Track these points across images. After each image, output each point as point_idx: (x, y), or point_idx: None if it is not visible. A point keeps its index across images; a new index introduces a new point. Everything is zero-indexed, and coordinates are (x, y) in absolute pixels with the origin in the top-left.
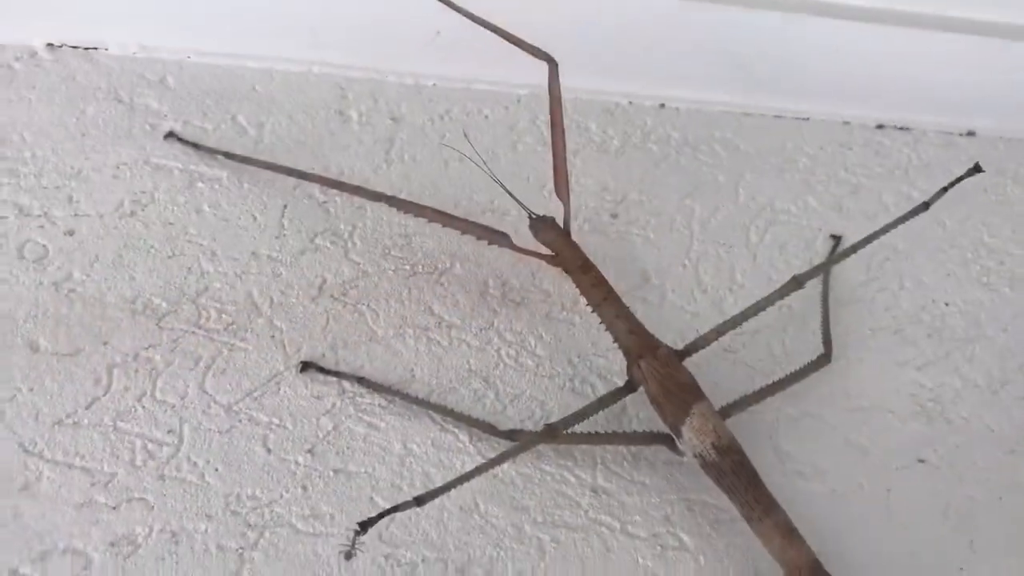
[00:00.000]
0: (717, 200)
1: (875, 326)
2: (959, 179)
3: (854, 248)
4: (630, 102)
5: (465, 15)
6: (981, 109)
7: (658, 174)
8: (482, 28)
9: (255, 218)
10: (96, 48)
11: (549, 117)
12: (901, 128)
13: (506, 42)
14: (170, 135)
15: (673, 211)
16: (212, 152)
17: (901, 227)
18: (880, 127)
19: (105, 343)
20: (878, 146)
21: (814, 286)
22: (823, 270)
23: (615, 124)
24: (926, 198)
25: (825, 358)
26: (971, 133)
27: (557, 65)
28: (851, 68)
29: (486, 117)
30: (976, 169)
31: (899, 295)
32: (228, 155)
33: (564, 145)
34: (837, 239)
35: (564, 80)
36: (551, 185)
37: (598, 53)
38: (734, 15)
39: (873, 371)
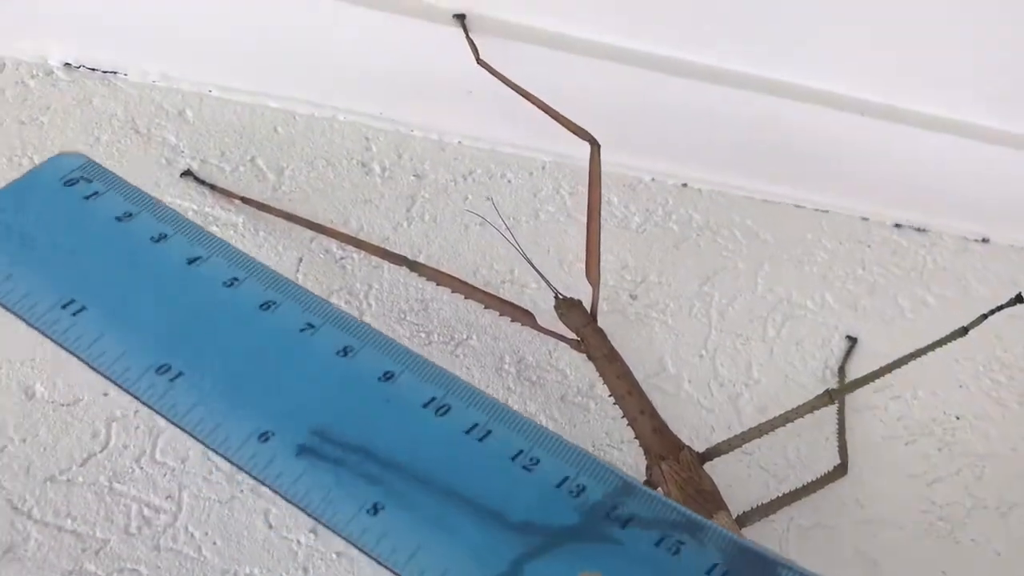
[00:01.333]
0: (736, 288)
1: (887, 435)
2: (1000, 307)
3: (889, 368)
4: (652, 179)
5: (514, 88)
6: (996, 217)
7: (678, 256)
8: (527, 102)
9: None
10: (115, 72)
11: (588, 199)
12: (918, 229)
13: (548, 117)
14: (187, 173)
15: (692, 296)
16: (229, 195)
17: (914, 336)
18: (898, 226)
19: (106, 394)
20: (895, 245)
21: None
22: (857, 386)
23: (637, 200)
24: (940, 303)
25: (841, 469)
26: (985, 240)
27: (600, 147)
28: (872, 164)
29: (509, 181)
30: (1019, 299)
31: (912, 404)
32: (246, 200)
33: (599, 228)
34: (853, 340)
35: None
36: (571, 258)
37: (623, 126)
38: (760, 101)
39: (885, 483)
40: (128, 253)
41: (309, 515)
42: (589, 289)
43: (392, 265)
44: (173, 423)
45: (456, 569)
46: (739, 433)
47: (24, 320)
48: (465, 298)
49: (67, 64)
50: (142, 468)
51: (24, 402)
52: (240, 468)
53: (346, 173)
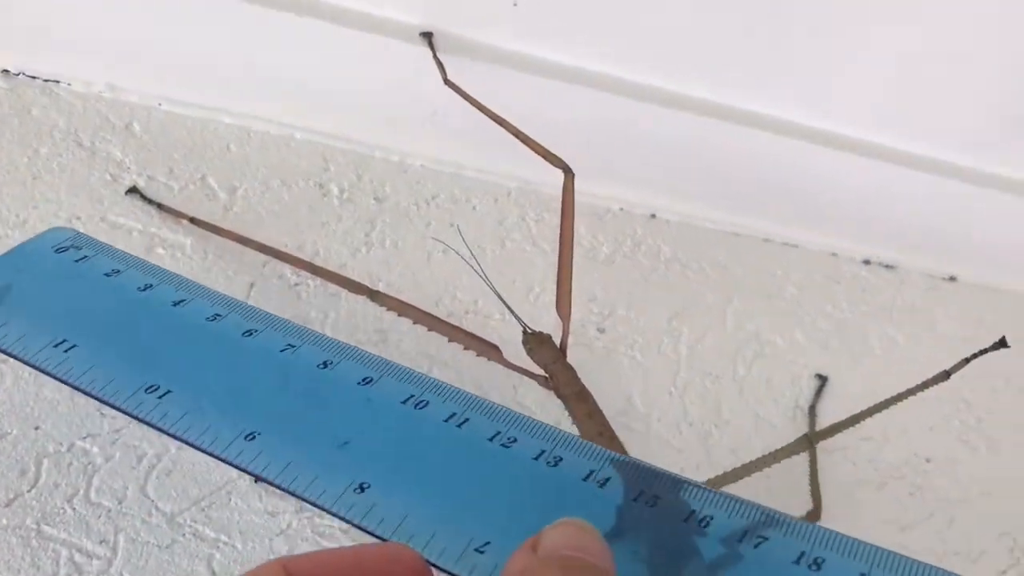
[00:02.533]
0: (705, 324)
1: (860, 478)
2: (983, 351)
3: (868, 412)
4: (621, 208)
5: (483, 111)
6: (963, 256)
7: (647, 289)
8: (494, 125)
9: None
10: (58, 82)
11: (560, 229)
12: (887, 266)
13: (519, 141)
14: (132, 190)
15: (661, 331)
16: (177, 215)
17: (883, 375)
18: (867, 263)
19: (37, 428)
20: (864, 282)
21: (804, 429)
22: (836, 431)
23: (605, 230)
24: (909, 342)
25: (815, 514)
26: (953, 279)
27: (573, 175)
28: (842, 199)
29: (474, 208)
30: (1002, 344)
31: (882, 446)
32: (194, 220)
33: (571, 260)
34: (823, 379)
35: (551, 178)
36: (537, 289)
37: (592, 154)
38: (731, 131)
39: (857, 528)
40: (117, 300)
41: (299, 497)
42: (558, 322)
43: (350, 293)
44: (164, 432)
45: (443, 532)
46: (714, 477)
47: (18, 359)
48: (429, 330)
49: (5, 71)
50: (74, 509)
51: None
52: (231, 464)
53: (302, 195)
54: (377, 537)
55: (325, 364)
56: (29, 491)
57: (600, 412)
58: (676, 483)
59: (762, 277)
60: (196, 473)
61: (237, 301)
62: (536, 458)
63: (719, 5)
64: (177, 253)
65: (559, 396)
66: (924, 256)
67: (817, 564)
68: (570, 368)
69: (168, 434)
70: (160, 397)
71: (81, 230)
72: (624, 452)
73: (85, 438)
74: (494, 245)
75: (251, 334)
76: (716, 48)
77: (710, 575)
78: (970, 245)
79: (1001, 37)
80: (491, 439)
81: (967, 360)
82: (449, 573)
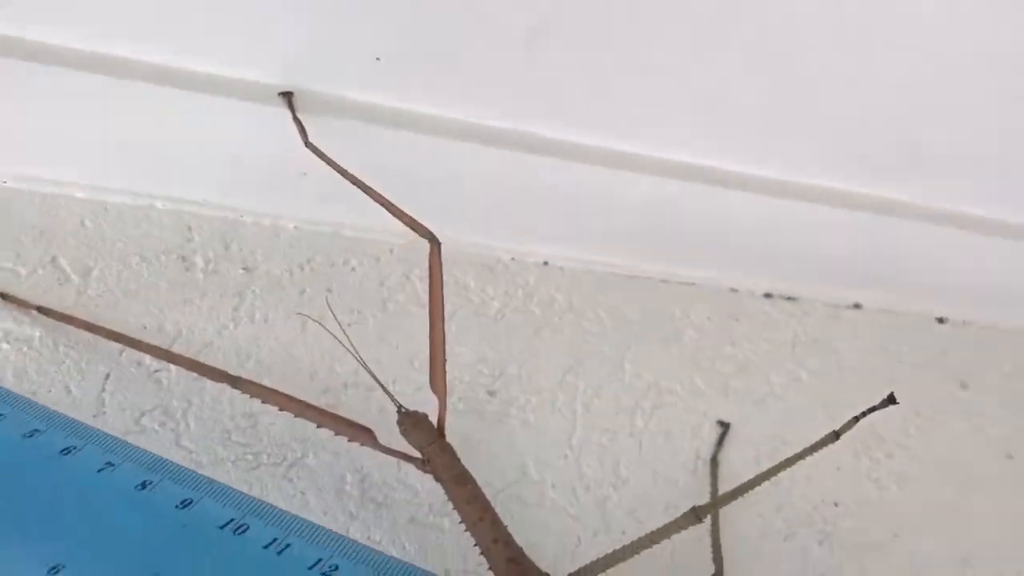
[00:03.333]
0: (601, 376)
1: (766, 530)
2: (872, 409)
3: (760, 479)
4: (512, 258)
5: (346, 176)
6: (866, 282)
7: (540, 343)
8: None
9: (70, 391)
10: None
11: (429, 302)
12: (789, 298)
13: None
14: None
15: (555, 388)
16: (23, 305)
17: (787, 415)
18: (768, 296)
19: None
20: (766, 317)
21: (706, 481)
22: (726, 502)
23: (496, 282)
24: (812, 377)
25: None
26: (857, 306)
27: (440, 245)
28: (739, 234)
29: (353, 269)
30: (891, 400)
31: (791, 491)
32: (42, 310)
33: (443, 333)
34: (725, 426)
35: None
36: (424, 354)
37: (477, 205)
38: (620, 175)
39: None
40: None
41: None
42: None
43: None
44: None
45: None
46: (602, 557)
47: None
48: (295, 416)
49: None
50: None
51: None
52: None
53: (163, 270)
54: None
55: (144, 485)
56: None
57: (482, 496)
58: None
59: (660, 320)
60: None
61: (59, 415)
62: None
63: (589, 44)
64: (23, 347)
65: (437, 480)
66: (826, 285)
67: None
68: (448, 449)
69: None
70: None
71: None
72: (507, 536)
73: None
74: (375, 309)
75: (69, 452)
76: (596, 90)
77: None
78: (873, 271)
79: (888, 62)
80: (311, 567)
81: (856, 419)
82: None
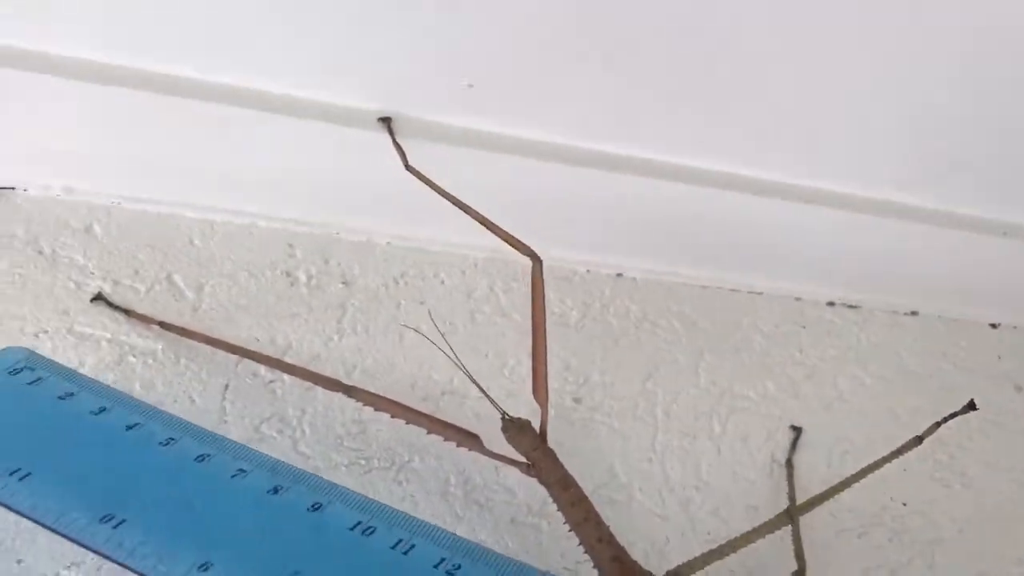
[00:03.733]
0: (678, 383)
1: (840, 528)
2: (954, 414)
3: (847, 483)
4: (588, 270)
5: (447, 198)
6: (923, 290)
7: (619, 351)
8: (464, 214)
9: (193, 400)
10: (13, 188)
11: (532, 315)
12: (850, 306)
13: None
14: (98, 297)
15: (636, 395)
16: (146, 320)
17: (854, 418)
18: (831, 304)
19: (19, 561)
20: (829, 325)
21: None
22: (816, 504)
23: (574, 294)
24: (876, 382)
25: (800, 574)
26: (915, 313)
27: (542, 263)
28: (803, 244)
29: (442, 282)
30: (971, 407)
31: (860, 493)
32: (164, 325)
33: (545, 345)
34: (798, 430)
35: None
36: (512, 362)
37: (555, 220)
38: (688, 189)
39: None
40: (70, 425)
41: None
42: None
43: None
44: (119, 563)
45: None
46: (700, 555)
47: None
48: (407, 423)
49: None
50: None
51: None
52: None
53: (270, 285)
54: None
55: (276, 490)
56: None
57: (585, 498)
58: None
59: (730, 329)
60: None
61: (192, 425)
62: None
63: (663, 70)
64: (149, 360)
65: (541, 483)
66: (886, 293)
67: None
68: (552, 455)
69: (122, 565)
70: (115, 527)
71: (48, 344)
72: (610, 535)
73: (69, 567)
74: (464, 320)
75: (203, 459)
76: (666, 108)
77: None
78: (929, 280)
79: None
80: (436, 566)
81: (938, 424)
82: None
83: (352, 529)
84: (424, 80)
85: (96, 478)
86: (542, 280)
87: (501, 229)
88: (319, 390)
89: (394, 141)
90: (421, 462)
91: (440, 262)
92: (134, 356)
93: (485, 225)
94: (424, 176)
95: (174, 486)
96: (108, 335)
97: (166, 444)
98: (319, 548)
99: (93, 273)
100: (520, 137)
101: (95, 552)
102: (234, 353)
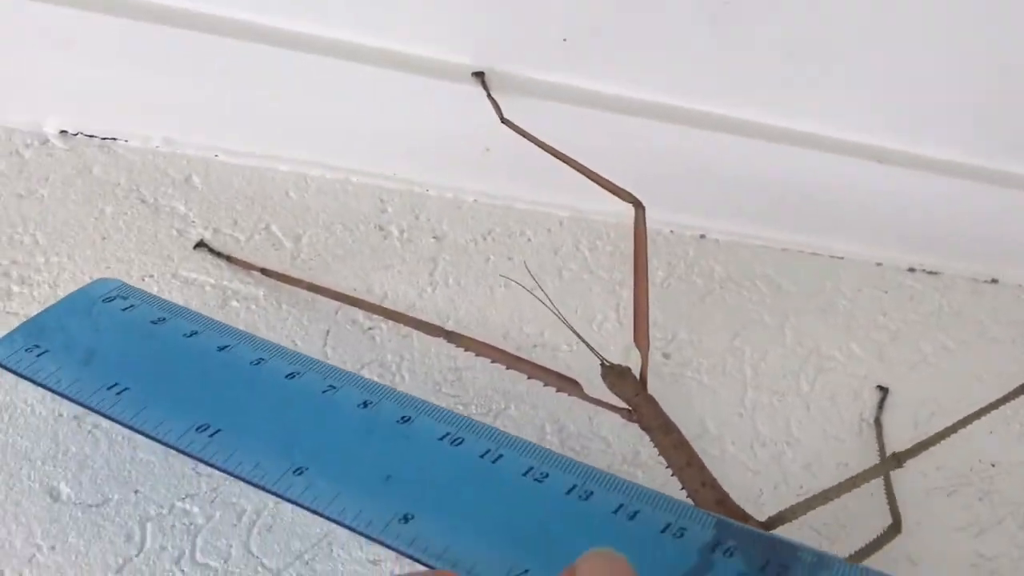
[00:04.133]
0: (765, 342)
1: (929, 487)
2: None
3: (954, 428)
4: (671, 231)
5: (544, 148)
6: (1003, 258)
7: (705, 310)
8: (550, 160)
9: (296, 344)
10: (114, 139)
11: (634, 261)
12: (931, 272)
13: (584, 177)
14: (201, 244)
15: (724, 352)
16: (248, 266)
17: (939, 381)
18: (911, 270)
19: (136, 491)
20: (911, 290)
21: (872, 441)
22: (923, 449)
23: (658, 254)
24: (960, 347)
25: (895, 528)
26: (994, 280)
27: (644, 209)
28: (884, 209)
29: (529, 240)
30: None
31: (948, 453)
32: (265, 271)
33: (647, 291)
34: (884, 391)
35: (600, 205)
36: (599, 318)
37: (640, 179)
38: (771, 149)
39: (934, 537)
40: (164, 346)
41: (348, 528)
42: (633, 354)
43: (422, 334)
44: (217, 467)
45: (484, 560)
46: (804, 500)
47: (72, 400)
48: (507, 368)
49: (63, 132)
50: (183, 571)
51: (50, 504)
52: (281, 497)
53: (364, 238)
54: (424, 564)
55: (365, 404)
56: (137, 555)
57: (687, 443)
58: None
59: (813, 292)
60: (296, 527)
61: (279, 347)
62: (568, 492)
63: (751, 30)
64: (251, 305)
65: (643, 429)
66: (966, 261)
67: None
68: (653, 400)
69: (220, 469)
70: (211, 436)
71: (155, 288)
72: (713, 480)
73: (184, 499)
74: (552, 276)
75: (293, 376)
76: (755, 68)
77: None
78: (1009, 247)
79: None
80: (525, 474)
81: None
82: None
83: (441, 439)
84: (518, 34)
85: (190, 393)
86: (645, 226)
87: (602, 177)
88: (416, 338)
89: (488, 94)
90: (516, 410)
91: (526, 220)
92: (237, 301)
93: (584, 173)
94: (520, 128)
95: (266, 400)
96: (212, 280)
97: (256, 364)
98: (410, 455)
99: (194, 222)
100: (612, 94)
101: (194, 458)
102: (335, 299)
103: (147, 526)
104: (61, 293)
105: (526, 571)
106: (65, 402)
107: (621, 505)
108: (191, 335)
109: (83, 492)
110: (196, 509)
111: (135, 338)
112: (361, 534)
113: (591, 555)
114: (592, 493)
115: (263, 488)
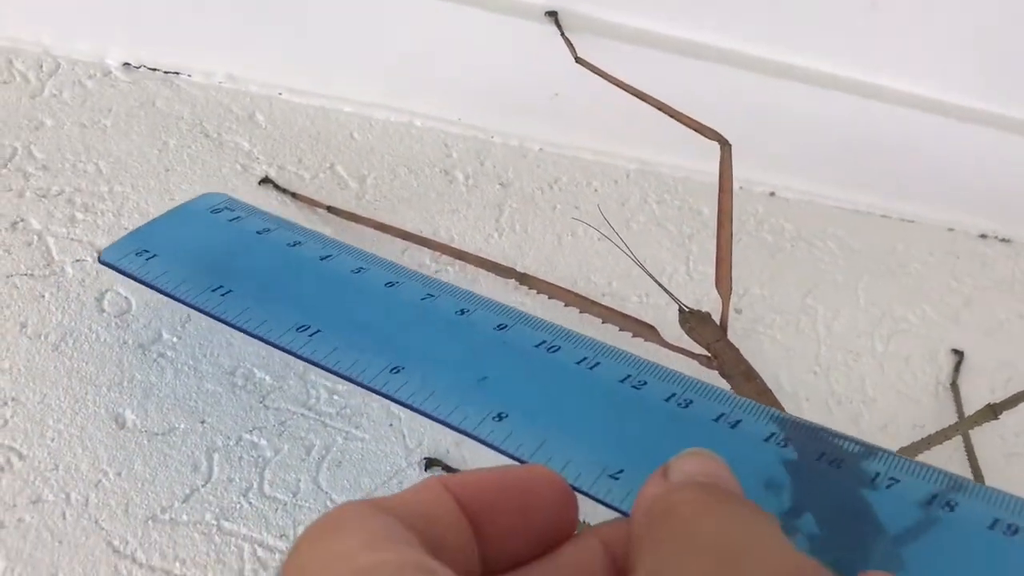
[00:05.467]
0: (838, 301)
1: (1008, 452)
2: None
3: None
4: (741, 187)
5: (622, 87)
6: None
7: (776, 267)
8: (648, 105)
9: None
10: (177, 73)
11: (719, 202)
12: (1003, 240)
13: (673, 119)
14: (266, 180)
15: (797, 310)
16: (314, 204)
17: (1017, 346)
18: (983, 236)
19: (203, 422)
20: (983, 257)
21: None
22: (1019, 401)
23: None
24: None
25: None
26: None
27: (731, 147)
28: (957, 172)
29: (595, 191)
30: None
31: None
32: (332, 209)
33: (731, 235)
34: (960, 354)
35: (669, 158)
36: (669, 270)
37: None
38: (845, 102)
39: None
40: (268, 253)
41: (442, 423)
42: (696, 304)
43: (488, 276)
44: (316, 364)
45: (578, 458)
46: (904, 447)
47: (179, 300)
48: (580, 312)
49: (126, 64)
50: (251, 503)
51: (115, 431)
52: (377, 393)
53: (430, 182)
54: (516, 460)
55: (462, 311)
56: (204, 486)
57: (769, 391)
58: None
59: (885, 254)
60: (365, 463)
61: (378, 257)
62: (667, 400)
63: None
64: None
65: (724, 375)
66: None
67: (1013, 530)
68: (734, 347)
69: (319, 366)
70: (311, 336)
71: None
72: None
73: (252, 431)
74: (620, 228)
75: (392, 285)
76: (832, 18)
77: (896, 539)
78: None
79: None
80: (622, 381)
81: None
82: (585, 494)
83: (537, 347)
84: None
85: (291, 296)
86: (731, 165)
87: (685, 115)
88: (481, 282)
89: (562, 34)
90: None
91: (593, 171)
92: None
93: (666, 111)
94: (595, 67)
95: (366, 305)
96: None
97: (357, 272)
98: (506, 359)
99: (258, 158)
100: (680, 37)
101: (291, 354)
102: (404, 239)
103: (214, 456)
104: (125, 222)
105: (621, 471)
106: (130, 329)
107: (722, 414)
108: (294, 245)
109: (149, 420)
110: (264, 442)
111: (240, 245)
112: (455, 429)
113: (686, 454)
114: (691, 402)
115: (360, 384)
